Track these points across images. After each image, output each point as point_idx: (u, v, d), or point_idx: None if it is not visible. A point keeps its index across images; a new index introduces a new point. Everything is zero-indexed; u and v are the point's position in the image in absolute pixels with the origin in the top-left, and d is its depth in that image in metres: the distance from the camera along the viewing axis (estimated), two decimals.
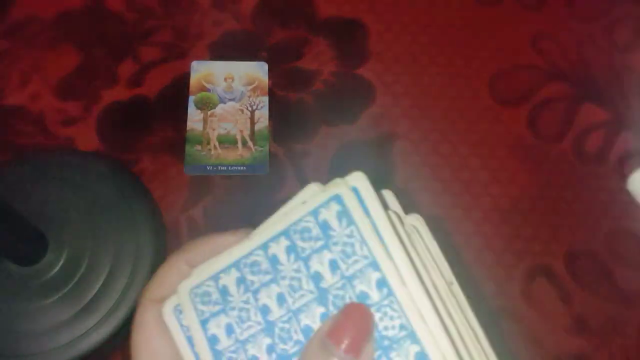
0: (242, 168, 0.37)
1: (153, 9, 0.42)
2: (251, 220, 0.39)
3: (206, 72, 0.40)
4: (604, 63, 0.42)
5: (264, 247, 0.16)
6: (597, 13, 0.44)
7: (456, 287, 0.17)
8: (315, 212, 0.16)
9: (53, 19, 0.42)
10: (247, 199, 0.36)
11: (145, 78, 0.40)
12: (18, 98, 0.39)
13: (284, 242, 0.16)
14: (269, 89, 0.40)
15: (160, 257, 0.33)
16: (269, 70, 0.40)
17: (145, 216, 0.33)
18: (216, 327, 0.16)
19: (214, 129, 0.38)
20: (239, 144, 0.38)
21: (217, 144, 0.38)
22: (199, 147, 0.37)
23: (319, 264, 0.16)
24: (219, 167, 0.37)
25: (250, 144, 0.38)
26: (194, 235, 0.35)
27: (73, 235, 0.32)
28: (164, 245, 0.34)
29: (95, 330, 0.30)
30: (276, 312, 0.16)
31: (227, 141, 0.38)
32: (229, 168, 0.37)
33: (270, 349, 0.16)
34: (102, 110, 0.39)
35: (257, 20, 0.42)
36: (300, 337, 0.16)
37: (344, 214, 0.15)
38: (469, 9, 0.44)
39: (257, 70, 0.40)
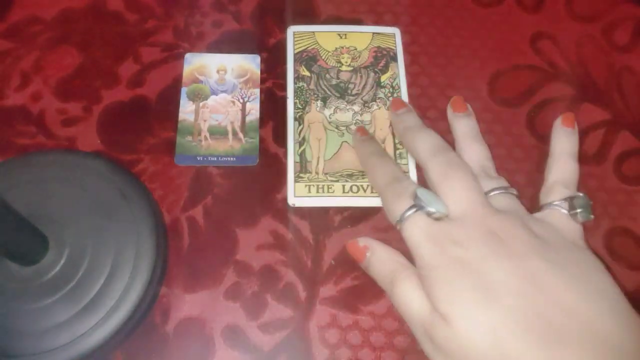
0: (232, 159, 0.37)
1: (153, 9, 0.43)
2: (253, 220, 0.39)
3: (199, 64, 0.40)
4: (603, 63, 0.42)
5: None
6: (597, 13, 0.44)
7: None
8: None
9: (54, 19, 0.42)
10: (247, 199, 0.36)
11: (145, 78, 0.40)
12: (18, 98, 0.39)
13: None
14: (265, 86, 0.40)
15: (160, 257, 0.33)
16: (269, 70, 0.40)
17: (145, 216, 0.33)
18: None
19: (205, 120, 0.38)
20: (230, 135, 0.38)
21: (208, 134, 0.38)
22: (190, 138, 0.38)
23: None
24: (209, 157, 0.37)
25: (240, 135, 0.38)
26: (195, 236, 0.35)
27: (74, 235, 0.32)
28: (164, 245, 0.34)
29: (96, 330, 0.30)
30: None
31: (218, 132, 0.38)
32: (219, 159, 0.37)
33: None
34: (102, 111, 0.39)
35: (257, 20, 0.42)
36: None
37: None
38: (468, 10, 0.44)
39: (249, 63, 0.40)
